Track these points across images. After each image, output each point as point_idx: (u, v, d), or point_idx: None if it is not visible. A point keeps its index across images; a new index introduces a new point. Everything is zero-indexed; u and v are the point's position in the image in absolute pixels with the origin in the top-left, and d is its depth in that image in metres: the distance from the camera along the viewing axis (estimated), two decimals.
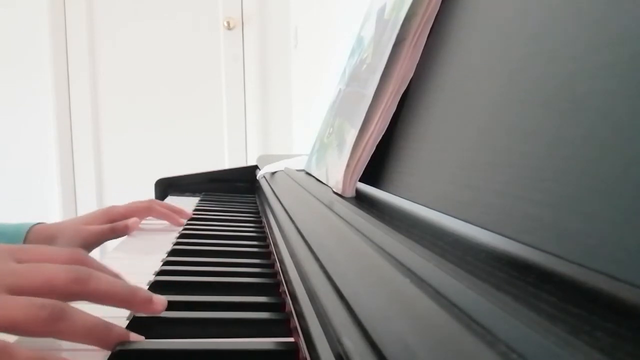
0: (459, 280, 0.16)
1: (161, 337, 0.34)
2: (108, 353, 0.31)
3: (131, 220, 0.71)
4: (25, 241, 0.68)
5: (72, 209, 2.17)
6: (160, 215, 0.76)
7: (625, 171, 0.14)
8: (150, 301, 0.34)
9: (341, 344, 0.21)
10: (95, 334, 0.30)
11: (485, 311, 0.14)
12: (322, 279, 0.29)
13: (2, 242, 0.67)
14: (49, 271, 0.32)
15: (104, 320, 0.31)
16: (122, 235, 0.71)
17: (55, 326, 0.29)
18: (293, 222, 0.47)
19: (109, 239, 0.70)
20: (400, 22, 0.37)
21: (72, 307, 0.30)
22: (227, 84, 2.17)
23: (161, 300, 0.35)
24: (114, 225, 0.70)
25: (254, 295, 0.42)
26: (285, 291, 0.40)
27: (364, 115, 0.39)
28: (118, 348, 0.31)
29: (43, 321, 0.28)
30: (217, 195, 1.06)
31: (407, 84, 0.38)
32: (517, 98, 0.22)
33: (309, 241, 0.37)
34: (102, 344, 0.31)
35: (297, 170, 0.67)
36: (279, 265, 0.46)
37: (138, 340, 0.33)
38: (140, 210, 0.75)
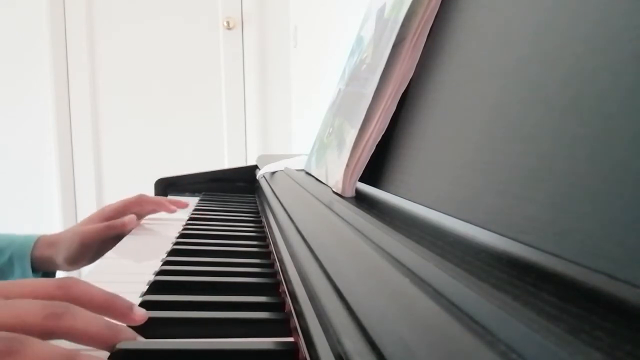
0: (459, 280, 0.17)
1: (161, 337, 0.34)
2: (108, 353, 0.31)
3: (127, 217, 0.71)
4: (33, 249, 0.69)
5: (72, 207, 2.17)
6: (152, 205, 0.76)
7: (625, 171, 0.14)
8: (134, 339, 0.32)
9: (341, 344, 0.21)
10: None
11: (485, 311, 0.14)
12: (322, 279, 0.29)
13: (9, 252, 0.68)
14: (22, 308, 0.29)
15: (66, 351, 0.28)
16: (122, 233, 0.71)
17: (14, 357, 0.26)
18: (293, 222, 0.47)
19: (108, 237, 0.71)
20: (400, 21, 0.37)
21: (33, 341, 0.27)
22: (227, 84, 2.17)
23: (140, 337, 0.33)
24: (110, 222, 0.70)
25: (254, 295, 0.42)
26: (285, 291, 0.40)
27: (363, 115, 0.39)
28: (118, 348, 0.31)
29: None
30: (217, 195, 1.06)
31: (406, 84, 0.38)
32: (516, 98, 0.22)
33: (309, 241, 0.37)
34: None
35: (297, 170, 0.67)
36: (278, 265, 0.46)
37: (141, 341, 0.33)
38: (132, 204, 0.75)
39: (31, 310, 0.29)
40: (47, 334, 0.29)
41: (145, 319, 0.34)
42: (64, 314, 0.29)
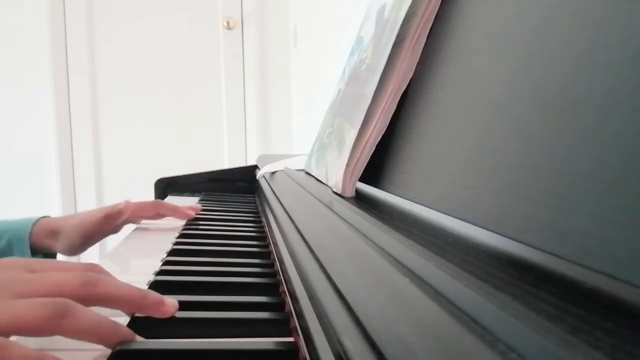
0: (459, 280, 0.17)
1: (161, 337, 0.34)
2: (108, 353, 0.31)
3: (122, 205, 0.71)
4: (31, 235, 0.70)
5: (72, 208, 2.16)
6: (167, 211, 0.76)
7: (624, 171, 0.14)
8: (161, 303, 0.35)
9: (341, 344, 0.21)
10: (99, 332, 0.30)
11: (485, 311, 0.14)
12: (322, 278, 0.29)
13: (7, 237, 0.69)
14: (58, 277, 0.32)
15: (111, 320, 0.31)
16: (120, 223, 0.72)
17: (59, 323, 0.29)
18: (293, 221, 0.47)
19: (107, 229, 0.71)
20: (400, 21, 0.37)
21: (78, 305, 0.30)
22: (227, 84, 2.17)
23: (172, 302, 0.35)
24: (108, 212, 0.70)
25: (254, 295, 0.42)
26: (285, 291, 0.40)
27: (363, 115, 0.39)
28: (118, 348, 0.31)
29: (47, 318, 0.28)
30: (217, 195, 1.06)
31: (406, 84, 0.38)
32: (516, 98, 0.22)
33: (309, 241, 0.37)
34: (106, 343, 0.31)
35: (297, 170, 0.67)
36: (278, 265, 0.46)
37: (141, 341, 0.33)
38: (149, 207, 0.75)
39: (67, 280, 0.32)
40: (81, 301, 0.32)
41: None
42: (97, 282, 0.33)
